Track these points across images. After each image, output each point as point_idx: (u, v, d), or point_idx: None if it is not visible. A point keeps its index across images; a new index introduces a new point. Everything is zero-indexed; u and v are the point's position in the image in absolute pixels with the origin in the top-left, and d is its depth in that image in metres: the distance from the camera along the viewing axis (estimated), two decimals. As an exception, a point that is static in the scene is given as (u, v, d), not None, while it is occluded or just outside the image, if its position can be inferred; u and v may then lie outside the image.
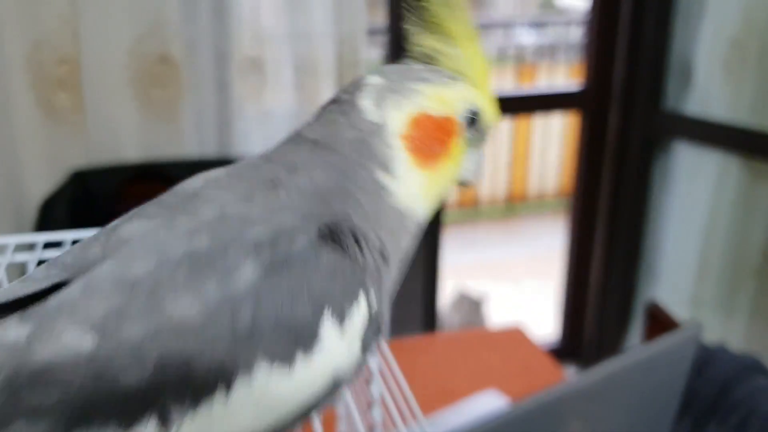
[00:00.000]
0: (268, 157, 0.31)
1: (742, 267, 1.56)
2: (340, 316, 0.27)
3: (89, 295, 0.26)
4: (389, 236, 0.30)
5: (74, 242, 0.52)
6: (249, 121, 1.32)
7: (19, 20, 1.13)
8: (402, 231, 0.31)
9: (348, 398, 0.37)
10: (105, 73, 1.21)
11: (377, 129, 0.31)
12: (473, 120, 0.34)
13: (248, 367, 0.25)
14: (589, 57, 1.70)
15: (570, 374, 1.66)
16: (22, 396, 0.24)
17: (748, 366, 0.83)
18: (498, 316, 2.31)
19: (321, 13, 1.29)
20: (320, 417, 0.58)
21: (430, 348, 1.05)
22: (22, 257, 0.51)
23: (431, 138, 0.31)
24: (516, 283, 2.86)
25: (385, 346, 0.39)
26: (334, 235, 0.28)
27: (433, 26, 0.33)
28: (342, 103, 0.32)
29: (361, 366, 0.28)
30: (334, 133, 0.31)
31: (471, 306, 2.11)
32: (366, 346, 0.28)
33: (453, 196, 3.50)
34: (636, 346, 0.75)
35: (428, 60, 0.33)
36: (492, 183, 3.54)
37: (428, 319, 1.68)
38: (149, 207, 0.31)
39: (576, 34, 3.56)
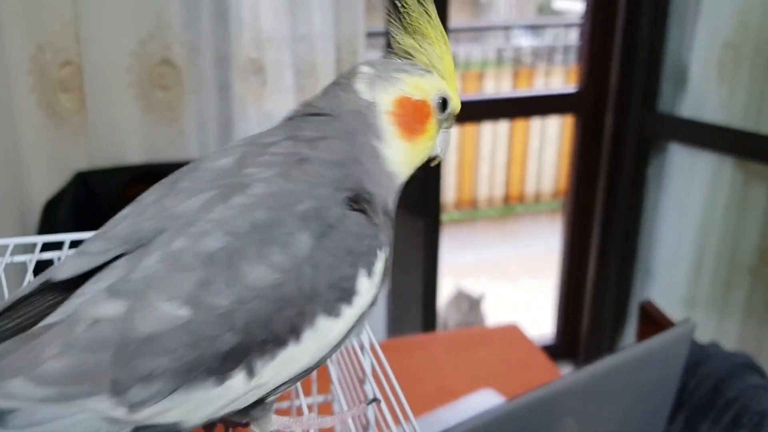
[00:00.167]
0: (289, 134, 0.36)
1: (735, 267, 1.58)
2: (369, 271, 0.33)
3: (174, 270, 0.29)
4: (385, 194, 0.36)
5: (73, 243, 0.53)
6: (250, 122, 1.33)
7: (23, 23, 1.14)
8: (391, 190, 0.37)
9: (342, 398, 0.38)
10: (107, 76, 1.21)
11: (370, 105, 0.37)
12: (444, 105, 0.40)
13: (311, 319, 0.31)
14: (585, 60, 1.71)
15: (566, 373, 1.68)
16: (135, 364, 0.28)
17: (741, 364, 0.84)
18: (495, 314, 2.33)
19: (321, 17, 1.30)
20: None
21: (428, 346, 1.06)
22: (20, 258, 0.52)
23: (411, 116, 0.38)
24: (513, 282, 2.87)
25: (378, 347, 0.41)
26: (357, 203, 0.33)
27: (411, 28, 0.39)
28: (341, 85, 0.38)
29: (376, 299, 0.35)
30: (338, 106, 0.37)
31: (469, 304, 2.13)
32: (382, 286, 0.34)
33: (451, 196, 3.51)
34: (630, 345, 0.76)
35: (407, 56, 0.39)
36: (490, 184, 3.55)
37: (427, 319, 1.70)
38: (184, 182, 0.34)
39: (573, 37, 3.57)
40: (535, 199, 3.62)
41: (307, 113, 0.38)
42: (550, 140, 3.50)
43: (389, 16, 0.39)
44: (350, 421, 0.37)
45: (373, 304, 0.34)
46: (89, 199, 1.21)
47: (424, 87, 0.38)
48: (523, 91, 3.43)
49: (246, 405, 0.32)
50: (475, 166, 3.50)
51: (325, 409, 0.60)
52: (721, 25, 1.48)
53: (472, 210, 3.59)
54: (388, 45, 0.41)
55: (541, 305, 2.55)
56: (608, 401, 0.65)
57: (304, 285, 0.30)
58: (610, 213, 1.77)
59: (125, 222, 0.32)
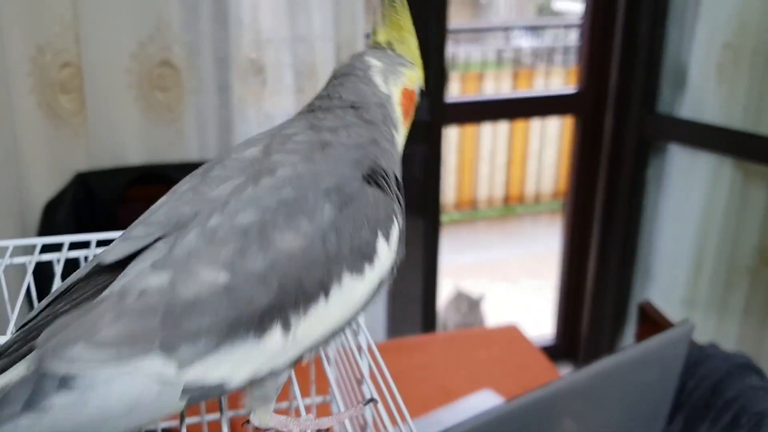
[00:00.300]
0: (311, 125, 0.40)
1: (735, 268, 1.58)
2: (386, 236, 0.37)
3: (211, 243, 0.32)
4: (397, 170, 0.41)
5: (72, 245, 0.53)
6: (249, 123, 1.34)
7: (22, 24, 1.14)
8: (399, 165, 0.42)
9: (339, 399, 0.38)
10: (107, 77, 1.21)
11: (388, 98, 0.44)
12: (422, 92, 0.46)
13: (338, 279, 0.34)
14: (585, 60, 1.71)
15: (565, 373, 1.68)
16: (181, 325, 0.30)
17: (739, 365, 0.84)
18: (495, 315, 2.33)
19: (320, 17, 1.31)
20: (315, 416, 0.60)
21: (428, 347, 1.06)
22: (20, 259, 0.52)
23: (409, 104, 0.45)
24: (513, 283, 2.87)
25: (375, 348, 0.41)
26: (373, 178, 0.38)
27: (393, 24, 0.45)
28: (360, 78, 0.43)
29: (395, 266, 0.38)
30: (364, 98, 0.42)
31: (469, 305, 2.13)
32: (399, 251, 0.38)
33: (451, 196, 3.52)
34: (628, 346, 0.76)
35: (389, 47, 0.45)
36: (490, 184, 3.56)
37: (427, 319, 1.70)
38: (215, 171, 0.37)
39: (573, 37, 3.58)
40: (534, 200, 3.63)
41: (333, 105, 0.42)
42: (550, 141, 3.50)
43: (379, 11, 0.45)
44: (347, 422, 0.37)
45: (391, 270, 0.38)
46: (89, 200, 1.21)
47: (414, 79, 0.45)
48: (523, 92, 3.44)
49: (284, 366, 0.34)
50: (474, 167, 3.51)
51: (323, 409, 0.61)
52: (721, 26, 1.49)
53: (471, 210, 3.59)
54: (373, 38, 0.46)
55: (541, 306, 2.55)
56: (607, 402, 0.66)
57: (329, 248, 0.34)
58: (610, 214, 1.77)
59: (163, 208, 0.35)
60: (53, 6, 1.14)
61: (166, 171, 1.24)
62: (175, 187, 0.38)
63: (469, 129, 3.41)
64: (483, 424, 0.53)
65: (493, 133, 3.47)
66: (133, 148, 1.26)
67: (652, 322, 1.05)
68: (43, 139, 1.20)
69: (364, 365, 0.41)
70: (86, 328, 0.30)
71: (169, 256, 0.32)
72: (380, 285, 0.37)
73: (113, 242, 0.35)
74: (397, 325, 1.70)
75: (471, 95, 3.55)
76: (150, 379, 0.30)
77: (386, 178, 0.39)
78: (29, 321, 0.33)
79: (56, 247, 0.53)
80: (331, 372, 0.42)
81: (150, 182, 1.24)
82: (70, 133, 1.22)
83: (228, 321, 0.31)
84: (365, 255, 0.35)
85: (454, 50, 3.60)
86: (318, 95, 0.44)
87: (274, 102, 1.34)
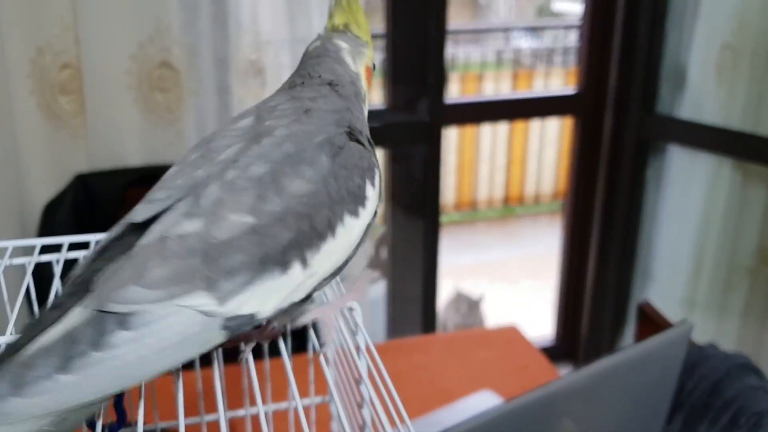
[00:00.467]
0: (291, 97, 0.45)
1: (734, 268, 1.58)
2: (372, 181, 0.42)
3: (233, 192, 0.36)
4: (366, 131, 0.46)
5: (72, 245, 0.53)
6: (249, 125, 1.34)
7: (22, 26, 1.14)
8: (367, 128, 0.47)
9: (338, 399, 0.39)
10: (107, 78, 1.22)
11: (357, 76, 0.49)
12: (374, 67, 0.52)
13: (341, 218, 0.39)
14: (584, 61, 1.72)
15: (565, 374, 1.68)
16: (220, 263, 0.34)
17: (739, 365, 0.84)
18: (495, 316, 2.33)
19: (320, 19, 1.31)
20: (315, 417, 0.60)
21: (428, 348, 1.06)
22: (20, 260, 0.52)
23: (369, 79, 0.51)
24: (513, 283, 2.87)
25: (374, 349, 0.41)
26: (353, 135, 0.43)
27: (348, 9, 0.51)
28: (333, 58, 0.48)
29: (377, 209, 0.43)
30: (339, 77, 0.47)
31: (468, 306, 2.13)
32: (379, 193, 0.43)
33: (451, 197, 3.52)
34: (627, 346, 0.76)
35: (345, 29, 0.51)
36: (489, 185, 3.56)
37: (427, 320, 1.70)
38: (216, 141, 0.41)
39: (572, 38, 3.58)
40: (534, 201, 3.63)
41: (313, 82, 0.46)
42: (550, 142, 3.51)
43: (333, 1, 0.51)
44: (346, 422, 0.37)
45: (375, 214, 0.42)
46: (89, 201, 1.21)
47: (371, 57, 0.51)
48: (523, 93, 3.44)
49: (303, 296, 0.39)
50: (474, 168, 3.51)
51: (322, 409, 0.61)
52: (720, 27, 1.49)
53: (471, 211, 3.60)
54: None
55: (541, 306, 2.55)
56: (606, 402, 0.66)
57: (331, 191, 0.39)
58: (610, 214, 1.77)
59: (178, 175, 0.39)
60: (53, 7, 1.15)
61: (166, 172, 1.25)
62: (182, 158, 0.42)
63: (469, 130, 3.41)
64: (482, 425, 0.53)
65: (493, 134, 3.48)
66: (133, 149, 1.26)
67: (651, 322, 1.05)
68: (43, 140, 1.20)
69: (362, 366, 0.41)
70: (137, 272, 0.33)
71: (198, 205, 0.36)
72: (369, 225, 0.42)
73: (137, 206, 0.38)
74: (397, 326, 1.70)
75: (470, 96, 3.55)
76: (196, 314, 0.33)
77: (362, 135, 0.44)
78: (75, 277, 0.36)
79: (56, 248, 0.53)
80: (329, 373, 0.42)
81: (150, 183, 1.24)
82: (70, 134, 1.22)
83: (258, 257, 0.35)
84: (358, 198, 0.40)
85: (454, 51, 3.61)
86: (297, 74, 0.48)
87: (274, 103, 1.34)
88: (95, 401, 0.31)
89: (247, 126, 0.42)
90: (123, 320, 0.32)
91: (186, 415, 0.46)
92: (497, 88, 3.64)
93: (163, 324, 0.32)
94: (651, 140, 1.68)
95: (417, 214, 1.58)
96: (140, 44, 1.22)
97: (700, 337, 0.93)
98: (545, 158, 3.51)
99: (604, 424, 0.66)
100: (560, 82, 3.61)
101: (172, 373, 0.36)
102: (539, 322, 2.19)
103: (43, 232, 1.20)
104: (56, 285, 0.50)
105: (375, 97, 1.51)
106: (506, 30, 4.10)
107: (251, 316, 0.35)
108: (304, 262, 0.37)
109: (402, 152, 1.60)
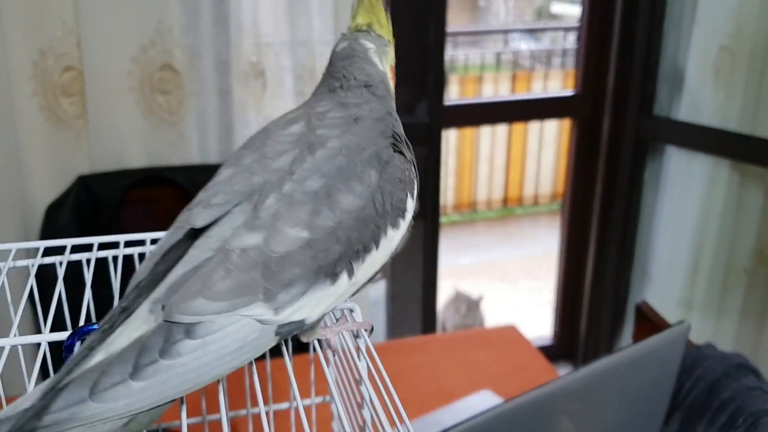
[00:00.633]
0: (338, 102, 0.47)
1: (732, 269, 1.58)
2: (412, 192, 0.44)
3: (290, 206, 0.38)
4: (403, 133, 0.48)
5: (74, 248, 0.54)
6: (250, 126, 1.34)
7: (25, 28, 1.15)
8: (401, 128, 0.48)
9: (338, 400, 0.39)
10: (109, 80, 1.22)
11: (385, 75, 0.50)
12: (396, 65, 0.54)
13: (384, 231, 0.41)
14: (582, 63, 1.72)
15: (563, 374, 1.68)
16: (278, 276, 0.36)
17: (736, 365, 0.84)
18: (494, 316, 2.33)
19: (320, 21, 1.31)
20: (315, 417, 0.60)
21: (427, 348, 1.06)
22: (23, 263, 0.52)
23: (393, 78, 0.52)
24: (512, 284, 2.88)
25: (374, 350, 0.42)
26: (396, 145, 0.45)
27: (371, 9, 0.51)
28: (363, 59, 0.50)
29: (414, 217, 0.45)
30: (371, 77, 0.49)
31: (468, 306, 2.14)
32: (417, 205, 0.45)
33: (450, 198, 3.52)
34: (625, 346, 0.77)
35: (368, 29, 0.51)
36: (488, 186, 3.56)
37: (427, 320, 1.70)
38: (268, 147, 0.42)
39: (571, 40, 3.59)
40: (533, 202, 3.63)
41: (351, 84, 0.48)
42: (548, 143, 3.51)
43: (357, 2, 0.52)
44: (346, 422, 0.38)
45: (411, 221, 0.45)
46: (91, 203, 1.22)
47: (392, 55, 0.52)
48: (522, 95, 3.44)
49: (344, 300, 0.41)
50: (473, 169, 3.52)
51: (323, 408, 0.61)
52: (717, 29, 1.50)
53: (471, 212, 3.60)
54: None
55: (540, 307, 2.56)
56: (604, 402, 0.66)
57: (378, 206, 0.41)
58: (608, 215, 1.78)
59: (236, 179, 0.41)
60: (55, 10, 1.15)
61: (168, 174, 1.25)
62: (234, 159, 0.43)
63: (468, 131, 3.42)
64: (481, 424, 0.54)
65: (492, 136, 3.48)
66: (135, 150, 1.27)
67: (648, 322, 1.06)
68: (45, 142, 1.21)
69: (362, 367, 0.42)
70: (202, 284, 0.35)
71: (257, 218, 0.38)
72: (406, 233, 0.44)
73: (196, 209, 0.39)
74: (397, 326, 1.70)
75: (470, 98, 3.56)
76: (254, 322, 0.36)
77: (404, 143, 0.46)
78: (139, 281, 0.38)
79: (58, 250, 0.54)
80: (330, 373, 0.43)
81: (151, 185, 1.25)
82: (72, 136, 1.23)
83: (312, 270, 0.37)
84: (400, 210, 0.43)
85: (453, 53, 3.61)
86: (332, 76, 0.50)
87: (274, 105, 1.35)
88: (161, 405, 0.34)
89: (299, 132, 0.43)
90: (189, 330, 0.34)
91: (188, 414, 0.47)
92: (496, 90, 3.65)
93: (225, 332, 0.35)
94: (649, 142, 1.69)
95: (417, 215, 1.59)
96: (142, 46, 1.23)
97: (698, 337, 0.93)
98: (544, 159, 3.52)
99: (603, 423, 0.67)
100: (559, 84, 3.61)
101: None
102: (538, 322, 2.19)
103: (45, 233, 1.20)
104: (59, 287, 0.50)
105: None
106: (505, 32, 4.11)
107: (301, 322, 0.38)
108: (351, 273, 0.39)
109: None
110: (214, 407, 0.61)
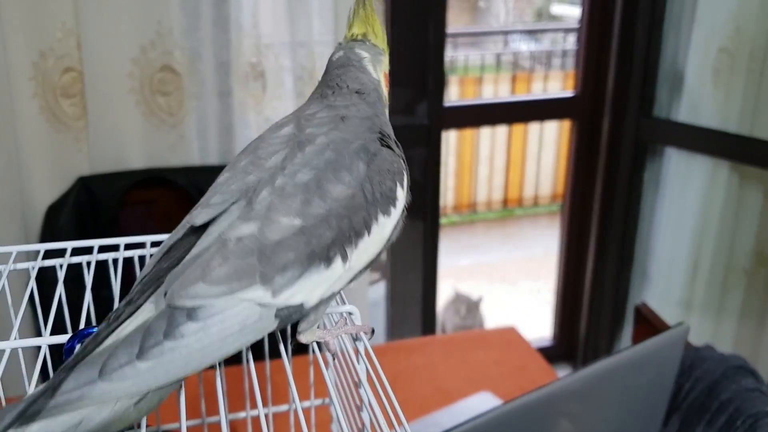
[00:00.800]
0: (325, 105, 0.49)
1: (731, 270, 1.59)
2: (401, 183, 0.45)
3: (283, 197, 0.40)
4: (392, 134, 0.50)
5: (75, 250, 0.54)
6: (250, 127, 1.35)
7: (25, 30, 1.15)
8: (391, 131, 0.50)
9: (337, 402, 0.39)
10: (109, 82, 1.22)
11: (378, 83, 0.52)
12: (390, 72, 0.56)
13: (375, 218, 0.43)
14: (582, 64, 1.72)
15: (563, 375, 1.68)
16: (273, 260, 0.38)
17: (735, 367, 0.84)
18: (494, 317, 2.34)
19: (320, 23, 1.32)
20: (314, 420, 0.61)
21: (427, 349, 1.07)
22: (23, 265, 0.53)
23: (387, 85, 0.54)
24: (511, 285, 2.88)
25: (372, 353, 0.42)
26: (384, 140, 0.46)
27: (366, 20, 0.54)
28: (357, 67, 0.52)
29: (406, 208, 0.47)
30: (364, 85, 0.51)
31: (467, 307, 2.14)
32: (408, 196, 0.47)
33: (450, 199, 3.52)
34: (624, 348, 0.77)
35: (363, 38, 0.54)
36: (488, 187, 3.57)
37: (426, 321, 1.71)
38: (261, 150, 0.45)
39: (571, 41, 3.59)
40: (533, 203, 3.64)
41: (342, 92, 0.50)
42: (548, 144, 3.52)
43: (352, 8, 0.54)
44: (345, 423, 0.38)
45: (403, 211, 0.46)
46: (91, 204, 1.22)
47: (386, 63, 0.55)
48: (521, 96, 3.45)
49: (340, 289, 0.43)
50: (473, 170, 3.52)
51: (322, 411, 0.62)
52: (717, 31, 1.50)
53: (470, 213, 3.61)
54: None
55: (539, 308, 2.56)
56: (603, 403, 0.66)
57: (367, 195, 0.42)
58: (608, 216, 1.78)
59: (231, 180, 0.43)
60: (55, 12, 1.15)
61: (168, 175, 1.25)
62: (232, 163, 0.46)
63: (468, 132, 3.42)
64: (481, 426, 0.54)
65: (492, 137, 3.48)
66: (135, 152, 1.27)
67: (648, 323, 1.06)
68: (45, 143, 1.21)
69: (361, 369, 0.42)
70: (201, 271, 0.37)
71: (252, 209, 0.40)
72: (398, 224, 0.46)
73: (196, 210, 0.41)
74: (396, 327, 1.71)
75: (470, 99, 3.56)
76: (253, 305, 0.37)
77: (390, 138, 0.48)
78: (144, 275, 0.40)
79: (59, 253, 0.54)
80: (329, 376, 0.43)
81: (151, 186, 1.25)
82: (72, 137, 1.23)
83: (306, 255, 0.39)
84: (390, 199, 0.44)
85: (453, 54, 3.61)
86: (326, 84, 0.52)
87: (275, 106, 1.35)
88: (167, 385, 0.36)
89: (289, 133, 0.46)
90: (191, 313, 0.36)
91: (187, 417, 0.47)
92: (496, 91, 3.65)
93: (226, 315, 0.37)
94: (648, 143, 1.69)
95: (416, 216, 1.59)
96: (142, 48, 1.23)
97: (697, 338, 0.93)
98: (544, 160, 3.52)
99: (602, 425, 0.67)
100: (559, 85, 3.62)
101: None
102: (538, 324, 2.20)
103: (45, 235, 1.20)
104: (60, 289, 0.50)
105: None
106: (505, 33, 4.11)
107: (300, 306, 0.40)
108: (345, 257, 0.41)
109: (401, 155, 1.60)
110: (213, 409, 0.61)
